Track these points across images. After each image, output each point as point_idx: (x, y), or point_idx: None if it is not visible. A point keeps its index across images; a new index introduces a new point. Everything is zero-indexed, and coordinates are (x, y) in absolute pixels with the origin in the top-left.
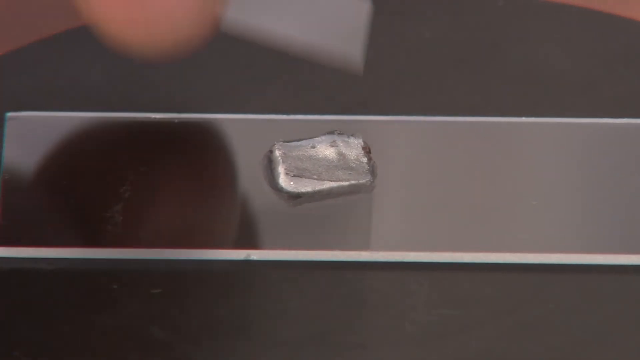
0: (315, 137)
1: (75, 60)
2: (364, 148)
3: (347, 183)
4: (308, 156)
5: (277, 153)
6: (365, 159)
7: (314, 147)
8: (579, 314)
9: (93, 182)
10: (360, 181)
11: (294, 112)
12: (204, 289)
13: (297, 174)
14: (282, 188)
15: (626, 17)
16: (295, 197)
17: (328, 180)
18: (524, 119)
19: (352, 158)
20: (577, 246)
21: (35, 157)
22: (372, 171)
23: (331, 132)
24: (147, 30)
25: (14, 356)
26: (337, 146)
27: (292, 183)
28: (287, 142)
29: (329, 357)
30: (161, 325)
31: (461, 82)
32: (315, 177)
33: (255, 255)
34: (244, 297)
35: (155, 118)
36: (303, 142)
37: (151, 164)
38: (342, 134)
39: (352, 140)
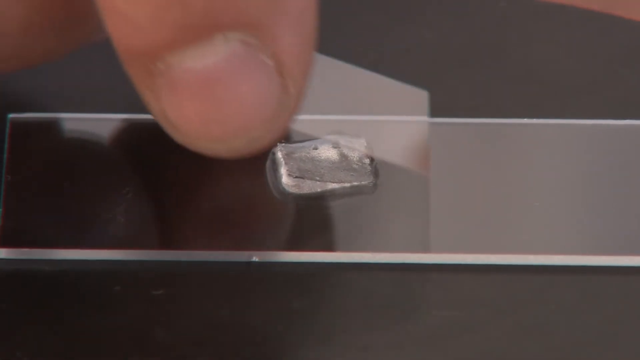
0: (318, 138)
1: (78, 61)
2: (366, 149)
3: (349, 184)
4: (310, 157)
5: (280, 154)
6: (367, 161)
7: (316, 148)
8: (581, 315)
9: (95, 184)
10: (362, 182)
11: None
12: (206, 291)
13: (299, 175)
14: (284, 189)
15: (628, 19)
16: (298, 199)
17: (330, 181)
18: (525, 121)
19: (355, 159)
20: (579, 247)
21: (38, 158)
22: (375, 172)
23: (334, 134)
24: (221, 130)
25: (16, 357)
26: (339, 147)
27: (294, 184)
28: (290, 143)
29: (332, 358)
30: (163, 326)
31: (462, 84)
32: (317, 178)
33: (258, 256)
34: (246, 298)
35: None
36: (306, 144)
37: (153, 165)
38: (345, 135)
39: (354, 141)
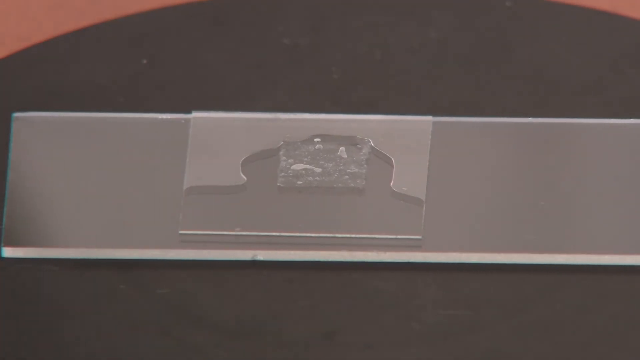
0: (325, 137)
1: (81, 60)
2: (365, 153)
3: (339, 185)
4: (312, 155)
5: (283, 151)
6: (365, 165)
7: (320, 146)
8: (586, 313)
9: (99, 183)
10: (350, 185)
11: (301, 110)
12: (211, 289)
13: (295, 169)
14: (280, 181)
15: (633, 18)
16: (292, 192)
17: (323, 179)
18: (530, 120)
19: (352, 161)
20: (584, 247)
21: (42, 157)
22: (366, 176)
23: (338, 135)
24: None
25: (20, 357)
26: (341, 148)
27: (286, 179)
28: (295, 140)
29: (337, 357)
30: (168, 324)
31: (467, 83)
32: (310, 178)
33: (261, 255)
34: (251, 297)
35: (162, 118)
36: (310, 142)
37: (157, 164)
38: (350, 137)
39: (357, 144)
